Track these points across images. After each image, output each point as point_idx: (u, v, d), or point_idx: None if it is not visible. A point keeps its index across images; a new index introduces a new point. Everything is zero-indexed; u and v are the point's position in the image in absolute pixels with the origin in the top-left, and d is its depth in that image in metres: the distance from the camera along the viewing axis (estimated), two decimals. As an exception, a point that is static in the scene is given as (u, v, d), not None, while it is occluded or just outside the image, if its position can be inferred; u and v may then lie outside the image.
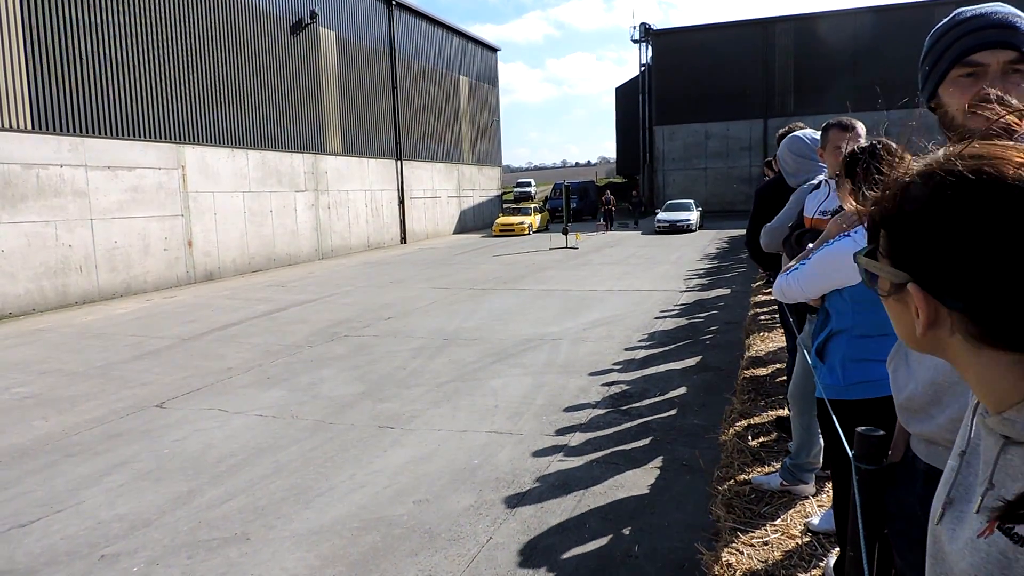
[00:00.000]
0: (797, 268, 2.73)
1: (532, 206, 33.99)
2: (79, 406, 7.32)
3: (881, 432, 1.63)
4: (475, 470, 5.19)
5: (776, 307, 7.57)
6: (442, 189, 33.02)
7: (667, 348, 8.87)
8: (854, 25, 37.44)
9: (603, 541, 4.07)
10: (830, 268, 2.57)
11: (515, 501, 4.63)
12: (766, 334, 7.89)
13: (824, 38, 37.99)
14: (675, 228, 28.56)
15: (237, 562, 4.01)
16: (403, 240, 29.23)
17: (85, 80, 15.24)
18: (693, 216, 29.36)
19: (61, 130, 14.74)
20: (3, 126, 13.58)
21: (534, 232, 31.30)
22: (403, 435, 6.03)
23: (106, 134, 15.75)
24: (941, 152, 0.77)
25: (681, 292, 13.45)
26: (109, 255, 15.80)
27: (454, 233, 33.97)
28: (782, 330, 6.58)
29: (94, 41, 15.44)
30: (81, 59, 15.13)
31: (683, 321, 10.61)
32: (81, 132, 15.16)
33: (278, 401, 7.21)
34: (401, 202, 29.18)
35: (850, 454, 1.73)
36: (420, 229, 30.82)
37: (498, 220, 31.66)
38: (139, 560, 4.09)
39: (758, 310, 9.64)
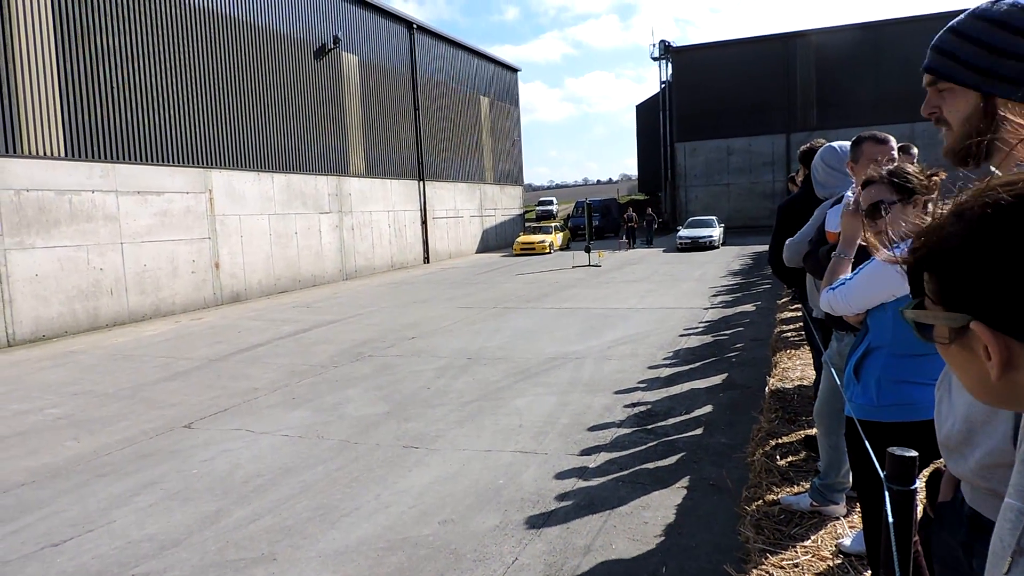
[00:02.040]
0: (843, 282, 2.67)
1: (553, 225, 33.58)
2: (110, 427, 7.43)
3: (914, 453, 1.60)
4: (500, 490, 5.17)
5: (802, 324, 7.48)
6: (464, 209, 33.21)
7: (692, 366, 8.80)
8: (876, 38, 37.23)
9: (630, 562, 4.03)
10: (878, 280, 2.48)
11: (540, 521, 4.60)
12: (793, 351, 7.80)
13: (846, 52, 37.78)
14: (697, 245, 27.77)
15: (264, 583, 4.02)
16: (426, 260, 29.40)
17: (116, 108, 15.62)
18: (715, 232, 28.56)
19: (93, 157, 15.09)
20: (37, 153, 13.95)
21: (555, 251, 31.15)
22: (428, 455, 6.04)
23: (136, 160, 16.10)
24: (984, 182, 0.74)
25: (705, 309, 13.36)
26: (139, 278, 16.08)
27: (477, 252, 34.10)
28: (809, 347, 6.50)
29: (124, 70, 15.84)
30: (112, 87, 15.52)
31: (708, 338, 10.52)
32: (112, 158, 15.52)
33: (304, 421, 7.25)
34: (424, 222, 29.39)
35: (881, 475, 1.70)
36: (443, 249, 30.99)
37: (519, 239, 31.29)
38: (168, 580, 4.12)
39: (784, 327, 9.54)
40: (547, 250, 30.27)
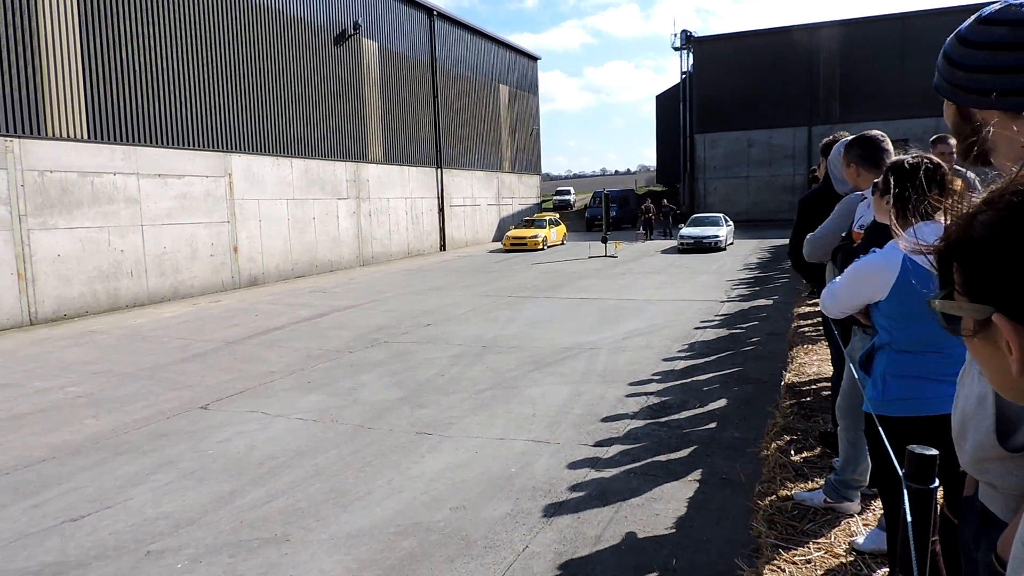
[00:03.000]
0: (834, 282, 2.74)
1: (548, 218, 30.17)
2: (128, 406, 7.52)
3: (934, 451, 1.58)
4: (512, 478, 5.19)
5: (821, 319, 7.42)
6: (481, 197, 33.18)
7: (707, 359, 8.76)
8: (903, 29, 36.65)
9: (640, 553, 4.03)
10: (859, 282, 2.59)
11: (552, 510, 4.61)
12: (810, 347, 7.74)
13: (872, 43, 37.23)
14: (701, 246, 24.24)
15: (277, 563, 4.07)
16: (443, 247, 29.44)
17: (138, 91, 15.72)
18: (722, 232, 24.82)
19: (115, 139, 15.22)
20: (61, 135, 14.08)
21: (548, 247, 28.14)
22: (441, 441, 6.06)
23: (157, 143, 16.21)
24: (1016, 172, 0.74)
25: (722, 302, 13.28)
26: (158, 260, 16.24)
27: (493, 240, 34.09)
28: (827, 343, 6.44)
29: (147, 54, 15.93)
30: (134, 72, 15.62)
31: (724, 332, 10.46)
32: (134, 141, 15.64)
33: (318, 405, 7.31)
34: (441, 210, 29.41)
35: (900, 472, 1.68)
36: (460, 237, 31.01)
37: (509, 233, 28.42)
38: (183, 557, 4.18)
39: (802, 322, 9.46)
40: (540, 246, 27.41)
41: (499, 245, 31.60)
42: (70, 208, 14.26)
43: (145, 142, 15.91)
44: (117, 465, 5.79)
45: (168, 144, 16.50)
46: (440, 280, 18.70)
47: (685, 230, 25.27)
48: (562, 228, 30.67)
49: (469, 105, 31.79)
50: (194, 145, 17.24)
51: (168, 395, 7.92)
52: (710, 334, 10.31)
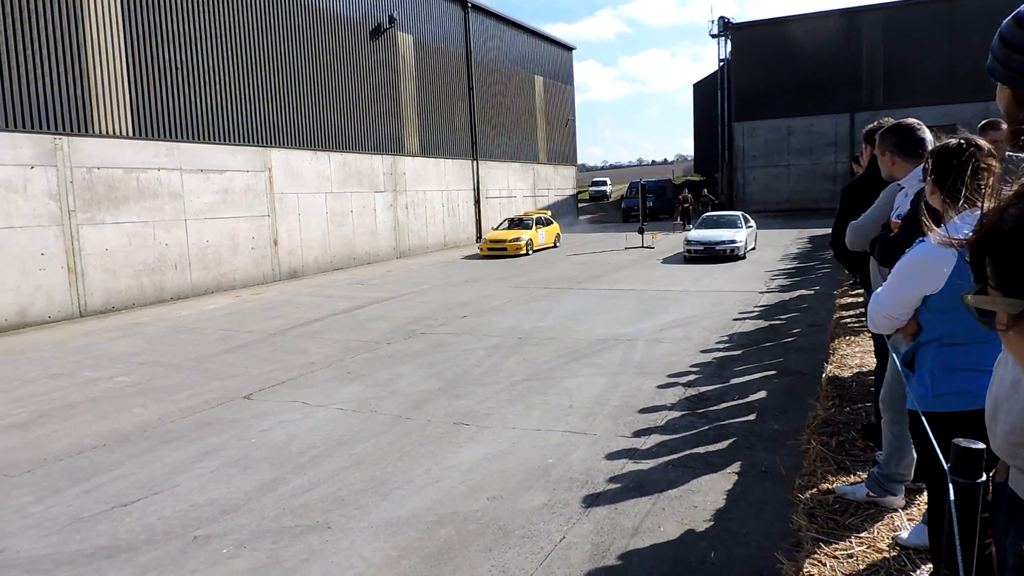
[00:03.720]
0: (878, 292, 2.62)
1: (536, 217, 25.01)
2: (174, 396, 7.73)
3: (980, 445, 1.55)
4: (549, 469, 5.20)
5: (864, 310, 7.27)
6: (517, 189, 33.16)
7: (747, 350, 8.65)
8: (949, 12, 35.50)
9: (678, 546, 4.02)
10: (913, 277, 2.45)
11: (589, 501, 4.62)
12: (852, 338, 7.59)
13: (916, 27, 36.15)
14: (712, 254, 18.53)
15: (318, 549, 4.15)
16: (479, 239, 29.53)
17: (180, 89, 16.05)
18: (740, 235, 19.03)
19: (159, 136, 15.57)
20: (107, 133, 14.46)
21: (534, 251, 23.57)
22: (478, 432, 6.11)
23: (199, 139, 16.55)
24: None
25: (761, 293, 13.09)
26: (201, 253, 16.60)
27: (529, 232, 34.07)
28: (870, 334, 6.31)
29: (187, 52, 16.25)
30: (176, 69, 15.95)
31: (763, 323, 10.32)
32: (176, 137, 15.98)
33: (357, 395, 7.41)
34: (477, 202, 29.48)
35: (945, 467, 1.65)
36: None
37: (487, 235, 23.90)
38: (228, 543, 4.29)
39: (844, 313, 9.28)
40: (523, 250, 22.74)
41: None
42: (117, 203, 14.65)
43: (187, 138, 16.25)
44: (164, 453, 5.96)
45: (209, 140, 16.83)
46: (476, 272, 18.77)
47: (693, 233, 19.75)
48: (554, 228, 25.93)
49: (504, 97, 31.75)
50: (235, 140, 17.55)
51: (212, 385, 8.11)
52: (749, 325, 10.18)
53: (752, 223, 21.06)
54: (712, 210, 33.39)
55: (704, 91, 49.46)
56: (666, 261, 19.52)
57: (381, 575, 3.85)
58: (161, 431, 6.54)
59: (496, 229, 24.57)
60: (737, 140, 41.69)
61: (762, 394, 6.84)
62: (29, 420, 7.05)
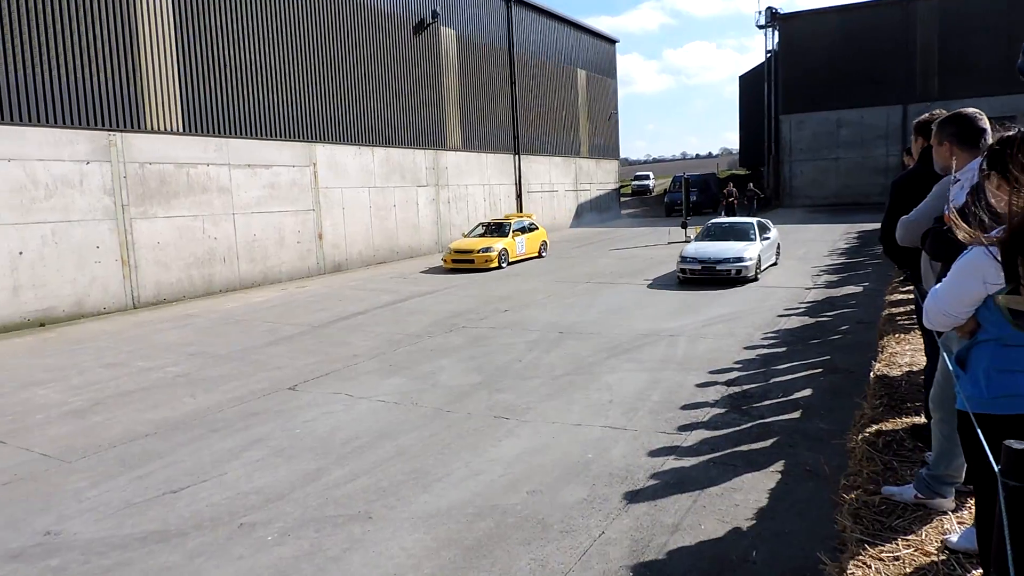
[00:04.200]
0: (936, 288, 2.53)
1: (515, 222, 20.40)
2: (222, 386, 7.92)
3: (1032, 446, 1.50)
4: (589, 464, 5.20)
5: (914, 307, 7.07)
6: (559, 183, 33.07)
7: (792, 347, 8.50)
8: (1006, 0, 34.16)
9: (719, 544, 3.98)
10: (975, 273, 2.33)
11: (629, 497, 4.60)
12: (902, 336, 7.38)
13: (974, 14, 34.87)
14: (713, 275, 13.99)
15: (360, 539, 4.22)
16: (520, 233, 29.54)
17: (228, 85, 16.41)
18: (751, 250, 14.36)
19: (207, 132, 15.95)
20: (158, 129, 14.86)
21: (510, 263, 19.06)
22: (518, 426, 6.13)
23: (247, 135, 16.90)
24: None
25: (808, 289, 12.82)
26: (249, 247, 16.96)
27: (571, 227, 33.95)
28: (920, 332, 6.14)
29: (236, 50, 16.59)
30: (224, 66, 16.30)
31: (809, 320, 10.12)
32: (225, 133, 16.35)
33: (399, 388, 7.50)
34: (518, 196, 29.49)
35: (996, 469, 1.60)
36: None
37: (453, 244, 19.42)
38: (273, 530, 4.39)
39: (894, 309, 9.03)
40: (494, 263, 18.25)
41: (577, 231, 31.41)
42: (168, 198, 15.06)
43: (235, 134, 16.61)
44: (213, 441, 6.12)
45: (257, 135, 17.17)
46: (517, 267, 18.79)
47: (690, 247, 15.10)
48: (539, 235, 21.24)
49: (547, 90, 31.66)
50: (281, 136, 17.88)
51: (259, 376, 8.30)
52: (795, 322, 9.99)
53: (771, 231, 16.37)
54: (757, 204, 32.66)
55: (750, 83, 48.59)
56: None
57: (421, 566, 3.90)
58: (209, 420, 6.72)
59: (468, 235, 20.15)
60: (784, 133, 40.84)
61: (807, 392, 6.72)
62: (85, 407, 7.31)
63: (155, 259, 14.79)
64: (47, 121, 12.87)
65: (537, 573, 3.77)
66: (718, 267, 13.98)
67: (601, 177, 37.64)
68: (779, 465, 5.01)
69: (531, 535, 4.17)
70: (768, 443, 5.45)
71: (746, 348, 8.54)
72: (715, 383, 7.13)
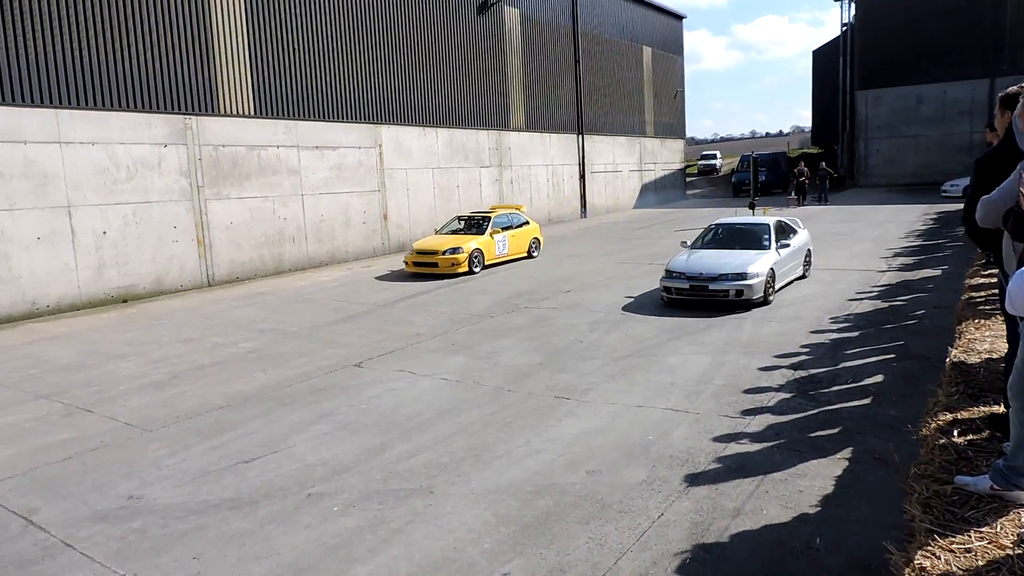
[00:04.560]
0: (1020, 272, 2.41)
1: (496, 216, 16.74)
2: (291, 362, 8.20)
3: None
4: (649, 446, 5.18)
5: (997, 291, 6.73)
6: (623, 163, 32.65)
7: (863, 332, 8.22)
8: (1115, -38, 31.75)
9: (781, 530, 3.92)
10: None
11: (689, 480, 4.57)
12: (982, 321, 7.04)
13: (1074, -20, 32.58)
14: (706, 297, 10.24)
15: (421, 512, 4.33)
16: (583, 214, 29.33)
17: (297, 69, 16.77)
18: (759, 264, 10.43)
19: (277, 114, 16.37)
20: (230, 112, 15.33)
21: (486, 266, 15.60)
22: (578, 406, 6.14)
23: (314, 117, 17.26)
24: None
25: (881, 272, 12.35)
26: (316, 227, 17.39)
27: (635, 208, 33.54)
28: (1002, 317, 5.85)
29: (304, 34, 16.92)
30: (293, 51, 16.66)
31: (882, 304, 9.76)
32: (293, 116, 16.75)
33: (461, 367, 7.61)
34: (582, 176, 29.26)
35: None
36: (600, 203, 30.74)
37: (416, 243, 16.11)
38: (338, 501, 4.54)
39: (973, 294, 8.61)
40: (462, 267, 14.83)
41: (640, 212, 30.98)
42: (240, 180, 15.56)
43: (304, 116, 16.99)
44: (282, 415, 6.36)
45: (324, 118, 17.53)
46: (580, 247, 18.70)
47: (680, 258, 11.20)
48: (530, 231, 17.45)
49: (611, 69, 31.19)
50: (347, 118, 18.20)
51: (326, 353, 8.54)
52: (867, 306, 9.65)
53: (797, 235, 12.26)
54: (829, 184, 31.32)
55: (824, 58, 46.70)
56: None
57: (480, 540, 3.97)
58: (279, 394, 6.97)
59: (439, 231, 16.90)
60: (860, 109, 39.20)
61: (879, 378, 6.51)
62: (163, 380, 7.68)
63: (228, 239, 15.32)
64: (127, 106, 13.44)
65: (595, 552, 3.79)
66: (711, 286, 10.25)
67: (666, 157, 36.96)
68: (847, 452, 4.88)
69: (589, 514, 4.19)
70: (836, 430, 5.31)
71: (813, 332, 8.32)
72: (780, 367, 6.97)
